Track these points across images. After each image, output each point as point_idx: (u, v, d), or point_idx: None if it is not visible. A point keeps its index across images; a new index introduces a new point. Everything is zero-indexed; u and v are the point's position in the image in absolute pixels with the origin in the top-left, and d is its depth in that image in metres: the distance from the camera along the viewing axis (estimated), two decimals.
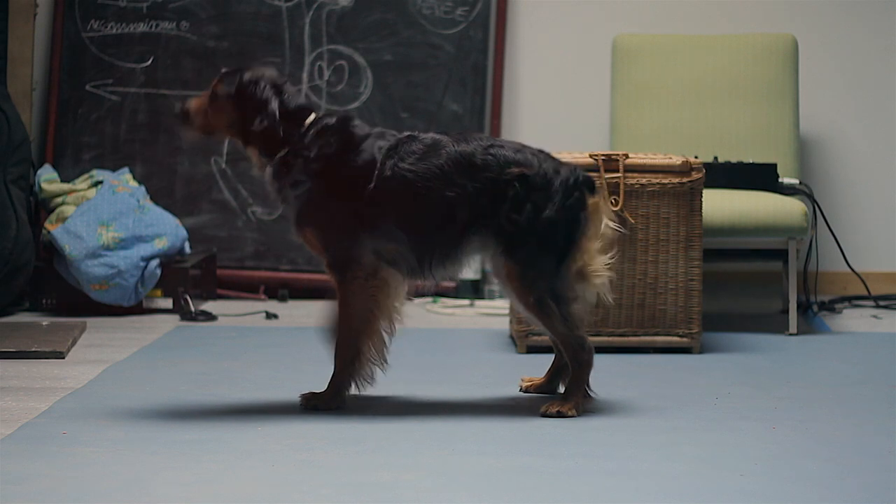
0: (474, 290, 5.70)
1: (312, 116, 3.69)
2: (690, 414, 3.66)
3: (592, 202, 3.68)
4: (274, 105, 3.64)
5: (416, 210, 3.63)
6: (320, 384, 4.00)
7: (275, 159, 3.66)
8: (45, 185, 5.48)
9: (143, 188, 5.53)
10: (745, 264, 5.80)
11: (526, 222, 3.60)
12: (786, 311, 5.02)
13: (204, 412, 3.63)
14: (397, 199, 3.62)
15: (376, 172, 3.61)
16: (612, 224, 3.73)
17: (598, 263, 3.68)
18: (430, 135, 3.70)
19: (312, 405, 3.68)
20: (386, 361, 3.72)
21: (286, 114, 3.66)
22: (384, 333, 3.71)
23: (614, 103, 5.58)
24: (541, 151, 3.71)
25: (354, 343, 3.67)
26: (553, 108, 5.92)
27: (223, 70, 3.74)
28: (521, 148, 3.69)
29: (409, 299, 3.78)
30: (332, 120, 3.69)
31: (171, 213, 5.50)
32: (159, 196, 5.71)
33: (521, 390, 3.89)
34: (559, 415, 3.60)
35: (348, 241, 3.62)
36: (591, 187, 3.70)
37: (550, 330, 3.66)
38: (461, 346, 4.72)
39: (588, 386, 3.68)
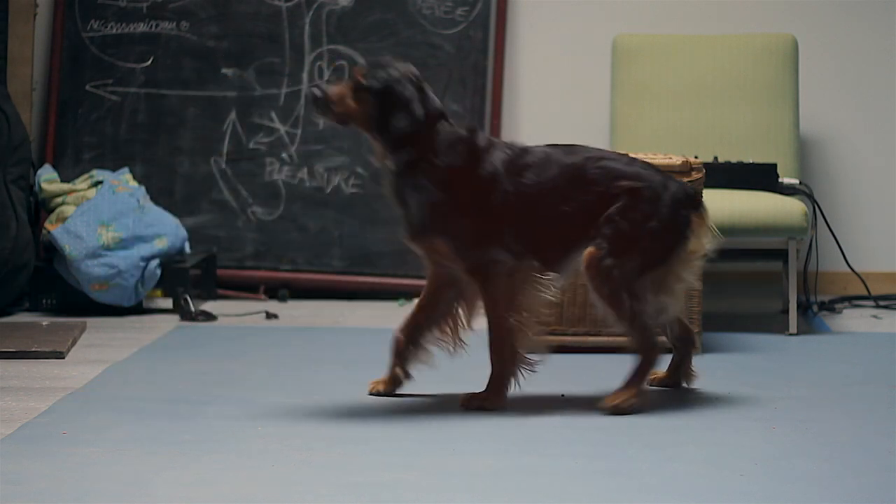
0: None
1: (445, 123, 3.70)
2: (690, 414, 3.66)
3: (697, 220, 3.75)
4: (415, 107, 3.64)
5: (533, 224, 3.68)
6: (321, 384, 4.01)
7: (400, 158, 3.67)
8: (45, 185, 5.48)
9: (143, 188, 5.53)
10: (745, 264, 5.79)
11: (627, 225, 3.65)
12: (786, 311, 5.02)
13: (204, 412, 3.63)
14: (517, 213, 3.66)
15: (499, 187, 3.66)
16: (708, 243, 3.79)
17: (683, 282, 3.76)
18: (542, 148, 3.76)
19: (476, 406, 3.70)
20: (535, 357, 3.75)
21: (424, 115, 3.66)
22: (537, 323, 3.73)
23: (614, 103, 5.58)
24: (649, 165, 3.79)
25: (509, 340, 3.69)
26: (553, 108, 5.92)
27: (369, 61, 3.74)
28: (631, 161, 3.76)
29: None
30: (463, 130, 3.71)
31: (171, 213, 5.50)
32: (159, 196, 5.71)
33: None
34: (616, 410, 3.63)
35: (483, 247, 3.65)
36: (697, 205, 3.77)
37: (620, 322, 3.69)
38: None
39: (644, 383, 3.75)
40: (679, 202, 3.72)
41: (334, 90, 3.68)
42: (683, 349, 3.93)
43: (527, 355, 3.73)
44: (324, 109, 3.69)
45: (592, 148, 3.80)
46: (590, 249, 3.67)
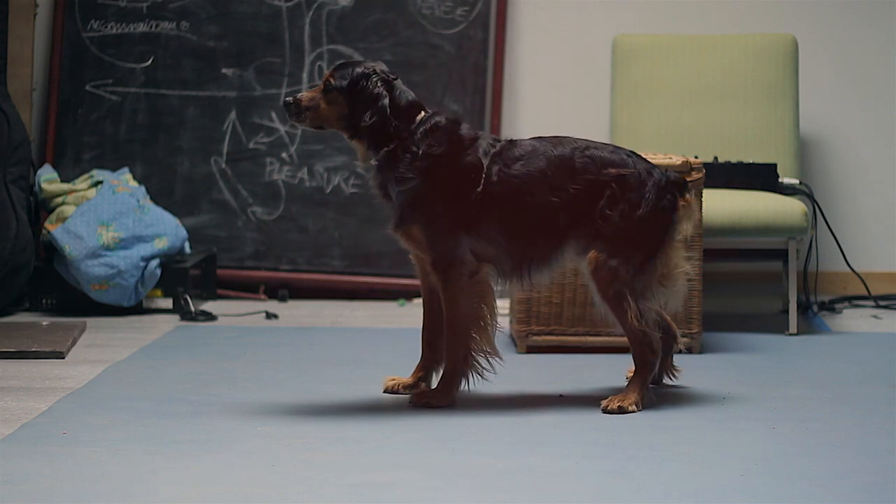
0: None
1: (422, 114, 3.73)
2: (690, 414, 3.66)
3: (683, 203, 3.77)
4: (385, 101, 3.68)
5: (520, 214, 3.69)
6: (321, 384, 4.00)
7: (381, 153, 3.70)
8: (45, 185, 5.48)
9: (143, 188, 5.53)
10: (745, 264, 5.79)
11: (619, 219, 3.67)
12: (786, 311, 5.02)
13: (204, 412, 3.63)
14: (502, 203, 3.68)
15: (483, 176, 3.68)
16: (692, 226, 3.83)
17: (681, 267, 3.77)
18: (529, 140, 3.78)
19: (424, 403, 3.70)
20: (498, 353, 3.76)
21: (397, 109, 3.70)
22: (490, 327, 3.75)
23: (614, 103, 5.58)
24: (633, 153, 3.80)
25: (464, 340, 3.71)
26: (553, 108, 5.92)
27: (336, 63, 3.78)
28: (616, 149, 3.78)
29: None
30: (442, 119, 3.73)
31: (171, 213, 5.50)
32: (159, 196, 5.72)
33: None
34: (620, 410, 3.64)
35: (453, 240, 3.68)
36: (681, 189, 3.79)
37: (623, 325, 3.71)
38: None
39: (650, 382, 3.76)
40: (664, 187, 3.74)
41: (306, 95, 3.74)
42: (665, 345, 3.91)
43: (480, 357, 3.74)
44: (297, 115, 3.74)
45: (579, 139, 3.81)
46: (592, 254, 3.68)
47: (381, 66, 3.74)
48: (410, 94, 3.75)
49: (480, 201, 3.67)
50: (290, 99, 3.73)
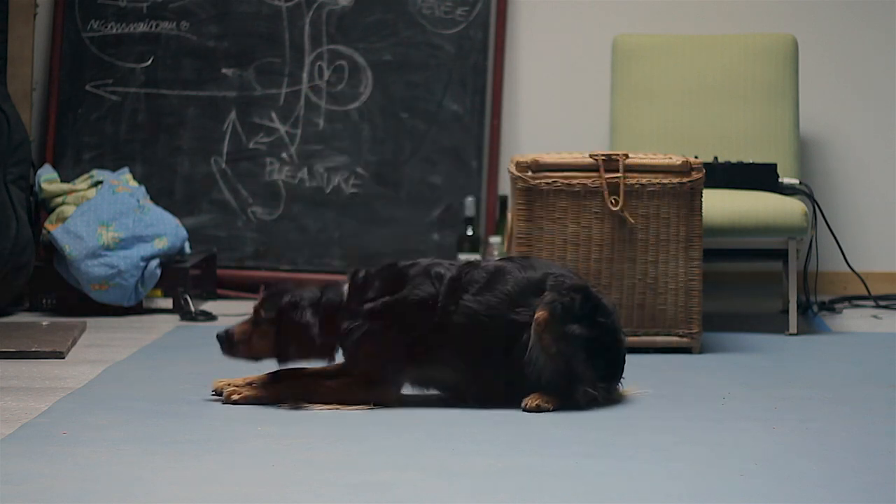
0: None
1: (346, 288, 3.65)
2: (690, 414, 3.66)
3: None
4: (312, 329, 3.60)
5: (480, 338, 3.61)
6: None
7: (335, 348, 3.66)
8: (45, 185, 5.48)
9: (143, 188, 5.53)
10: (745, 264, 5.79)
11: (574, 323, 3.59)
12: (786, 311, 5.02)
13: (204, 412, 3.63)
14: (460, 331, 3.60)
15: (440, 305, 3.60)
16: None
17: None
18: (493, 262, 3.71)
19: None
20: None
21: (329, 317, 3.62)
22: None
23: (614, 103, 5.58)
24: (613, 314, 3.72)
25: (313, 389, 3.67)
26: (553, 108, 5.92)
27: (265, 292, 3.69)
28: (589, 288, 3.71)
29: None
30: (362, 273, 3.66)
31: (171, 213, 5.50)
32: (159, 196, 5.72)
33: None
34: (538, 409, 3.62)
35: (393, 368, 3.63)
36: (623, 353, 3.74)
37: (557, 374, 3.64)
38: None
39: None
40: (618, 337, 3.69)
41: (237, 328, 3.69)
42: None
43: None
44: (230, 349, 3.69)
45: (550, 263, 3.78)
46: (540, 312, 3.58)
47: (309, 293, 3.65)
48: (337, 292, 3.65)
49: (438, 330, 3.59)
50: (222, 333, 3.68)
